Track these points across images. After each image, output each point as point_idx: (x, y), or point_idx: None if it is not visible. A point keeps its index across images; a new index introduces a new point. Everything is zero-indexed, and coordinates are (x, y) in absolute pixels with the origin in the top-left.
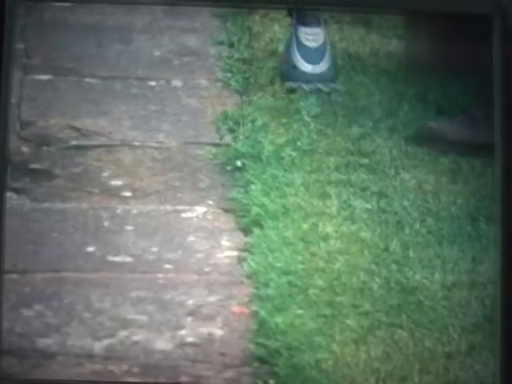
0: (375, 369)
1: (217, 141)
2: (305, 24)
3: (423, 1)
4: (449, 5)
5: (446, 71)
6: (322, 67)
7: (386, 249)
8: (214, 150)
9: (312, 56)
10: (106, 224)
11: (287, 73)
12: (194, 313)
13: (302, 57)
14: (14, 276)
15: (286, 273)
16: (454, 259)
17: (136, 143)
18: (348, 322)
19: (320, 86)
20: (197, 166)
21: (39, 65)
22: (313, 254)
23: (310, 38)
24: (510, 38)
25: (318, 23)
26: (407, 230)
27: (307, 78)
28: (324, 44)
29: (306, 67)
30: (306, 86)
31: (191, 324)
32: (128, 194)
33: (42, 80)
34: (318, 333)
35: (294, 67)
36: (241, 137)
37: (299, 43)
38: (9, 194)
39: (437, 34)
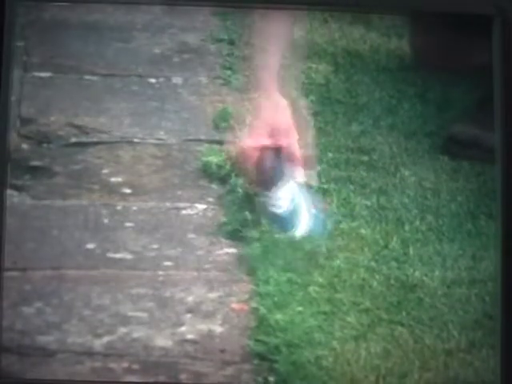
0: (375, 365)
1: (217, 138)
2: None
3: (423, 1)
4: (449, 5)
5: (446, 71)
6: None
7: (386, 246)
8: (214, 147)
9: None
10: (105, 221)
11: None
12: (193, 310)
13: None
14: (14, 273)
15: (286, 270)
16: (454, 256)
17: (136, 140)
18: (348, 318)
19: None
20: (197, 163)
21: (39, 62)
22: (313, 251)
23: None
24: (510, 38)
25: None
26: (407, 227)
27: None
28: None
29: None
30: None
31: (191, 321)
32: (128, 190)
33: (42, 77)
34: (318, 330)
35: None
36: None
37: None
38: (9, 192)
39: (436, 33)
